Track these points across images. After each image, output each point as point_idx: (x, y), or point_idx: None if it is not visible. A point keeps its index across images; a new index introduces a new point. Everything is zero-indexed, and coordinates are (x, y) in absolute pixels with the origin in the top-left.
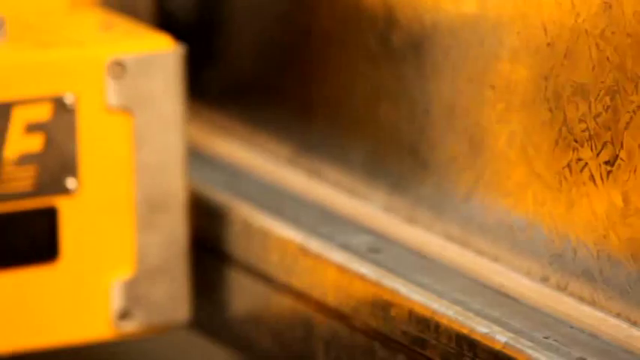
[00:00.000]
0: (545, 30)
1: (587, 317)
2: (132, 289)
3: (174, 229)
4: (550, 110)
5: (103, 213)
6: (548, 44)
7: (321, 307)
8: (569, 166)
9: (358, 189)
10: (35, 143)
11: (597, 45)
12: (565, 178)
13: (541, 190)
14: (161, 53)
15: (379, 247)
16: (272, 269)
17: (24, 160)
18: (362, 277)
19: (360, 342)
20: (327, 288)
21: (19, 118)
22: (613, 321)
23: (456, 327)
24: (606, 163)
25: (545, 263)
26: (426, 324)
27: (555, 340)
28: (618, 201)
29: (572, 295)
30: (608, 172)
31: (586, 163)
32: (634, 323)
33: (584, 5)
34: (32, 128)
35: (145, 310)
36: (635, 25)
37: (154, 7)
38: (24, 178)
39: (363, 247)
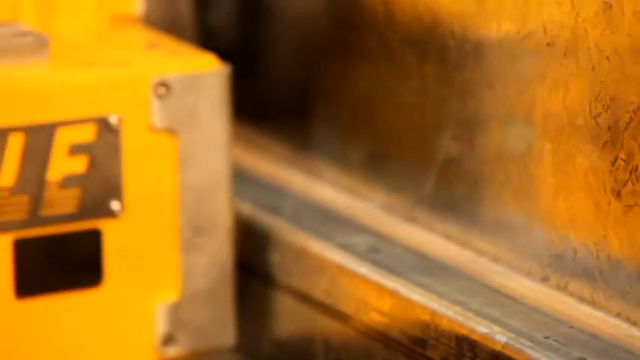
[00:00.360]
0: (545, 30)
1: (587, 317)
2: (176, 313)
3: (219, 252)
4: (550, 110)
5: (147, 236)
6: (548, 44)
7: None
8: (569, 166)
9: (358, 189)
10: (79, 165)
11: (597, 45)
12: (565, 178)
13: (541, 190)
14: (206, 72)
15: (379, 247)
16: (318, 293)
17: (68, 181)
18: (362, 277)
19: (361, 342)
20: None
21: (62, 140)
22: (613, 321)
23: (456, 327)
24: (606, 163)
25: (545, 263)
26: (426, 324)
27: (555, 340)
28: (618, 201)
29: (572, 295)
30: (609, 172)
31: (586, 163)
32: (634, 323)
33: (584, 5)
34: (76, 149)
35: (189, 335)
36: (635, 25)
37: (194, 23)
38: (68, 200)
39: (363, 247)
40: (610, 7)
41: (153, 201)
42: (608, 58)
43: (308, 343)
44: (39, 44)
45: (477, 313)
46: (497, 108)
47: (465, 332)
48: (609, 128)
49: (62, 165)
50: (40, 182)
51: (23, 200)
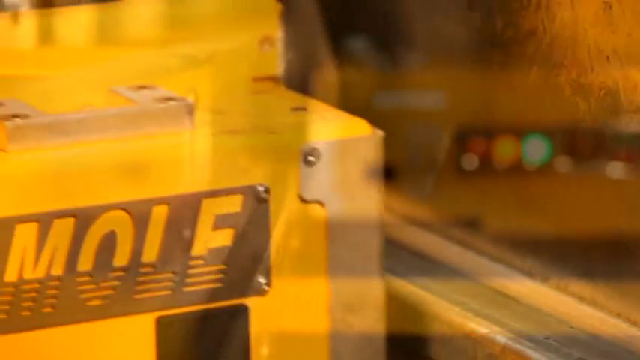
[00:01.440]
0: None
1: (587, 317)
2: None
3: (370, 330)
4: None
5: (295, 313)
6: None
7: None
8: (569, 166)
9: None
10: (224, 238)
11: (597, 45)
12: (566, 178)
13: (542, 191)
14: (358, 138)
15: None
16: None
17: (213, 256)
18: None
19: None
20: None
21: (208, 211)
22: (613, 321)
23: (456, 327)
24: (606, 162)
25: (545, 263)
26: (426, 324)
27: (555, 340)
28: (618, 201)
29: (572, 295)
30: (609, 173)
31: (586, 163)
32: (634, 323)
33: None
34: (221, 221)
35: None
36: (635, 25)
37: (335, 84)
38: (213, 276)
39: None
40: (610, 7)
41: (301, 276)
42: (607, 58)
43: None
44: (184, 110)
45: (477, 313)
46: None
47: (465, 332)
48: (609, 128)
49: (207, 238)
50: (185, 257)
51: (167, 276)
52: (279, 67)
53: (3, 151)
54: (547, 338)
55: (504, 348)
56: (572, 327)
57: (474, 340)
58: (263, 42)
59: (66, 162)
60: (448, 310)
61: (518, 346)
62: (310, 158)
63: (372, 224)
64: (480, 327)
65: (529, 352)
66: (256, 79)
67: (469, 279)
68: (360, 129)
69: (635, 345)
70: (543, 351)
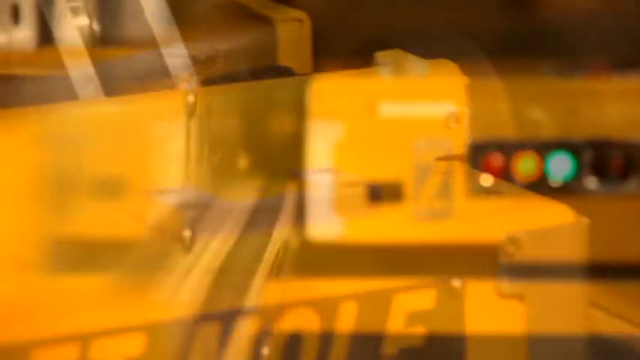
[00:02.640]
0: None
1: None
2: None
3: None
4: None
5: None
6: None
7: None
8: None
9: None
10: (417, 336)
11: None
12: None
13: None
14: (561, 226)
15: None
16: None
17: (404, 355)
18: None
19: None
20: None
21: (399, 308)
22: (613, 321)
23: None
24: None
25: None
26: None
27: None
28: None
29: None
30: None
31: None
32: (634, 323)
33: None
34: (414, 318)
35: None
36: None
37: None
38: None
39: None
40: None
41: None
42: None
43: None
44: (370, 196)
45: None
46: None
47: None
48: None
49: (398, 337)
50: (374, 357)
51: None
52: (465, 146)
53: None
54: None
55: None
56: None
57: None
58: (448, 118)
59: (246, 254)
60: None
61: None
62: (509, 249)
63: (576, 321)
64: None
65: None
66: (440, 159)
67: None
68: (562, 216)
69: (635, 345)
70: None
